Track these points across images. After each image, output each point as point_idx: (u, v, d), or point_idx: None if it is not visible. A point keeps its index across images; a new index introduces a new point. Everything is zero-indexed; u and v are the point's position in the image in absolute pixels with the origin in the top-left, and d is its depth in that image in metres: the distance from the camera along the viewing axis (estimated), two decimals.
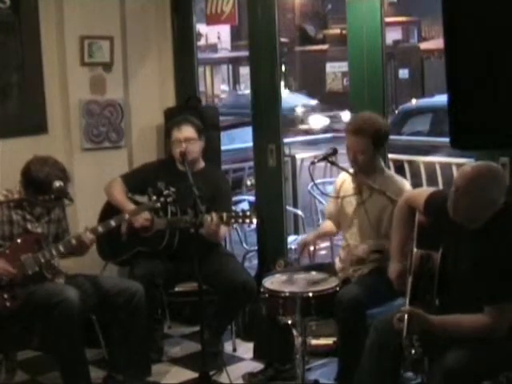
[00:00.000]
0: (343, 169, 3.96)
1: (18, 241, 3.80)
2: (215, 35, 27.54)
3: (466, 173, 2.93)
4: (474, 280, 2.93)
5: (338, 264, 3.96)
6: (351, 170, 3.89)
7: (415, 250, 3.15)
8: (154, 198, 4.02)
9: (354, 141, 3.74)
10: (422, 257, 3.13)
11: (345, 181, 3.98)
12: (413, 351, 2.85)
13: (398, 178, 3.94)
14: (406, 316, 2.87)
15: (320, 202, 6.21)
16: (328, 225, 4.13)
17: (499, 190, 2.93)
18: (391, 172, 3.92)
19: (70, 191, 3.92)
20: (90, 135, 4.94)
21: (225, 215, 4.01)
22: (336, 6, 25.20)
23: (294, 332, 3.57)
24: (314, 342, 4.02)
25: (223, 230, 4.26)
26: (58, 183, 3.78)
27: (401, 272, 3.28)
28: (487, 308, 2.88)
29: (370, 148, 3.73)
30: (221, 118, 5.59)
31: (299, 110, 20.83)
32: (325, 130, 18.54)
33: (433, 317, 2.93)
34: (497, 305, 2.86)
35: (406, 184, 3.89)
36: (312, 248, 4.08)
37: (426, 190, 3.42)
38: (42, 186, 3.79)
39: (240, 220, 4.01)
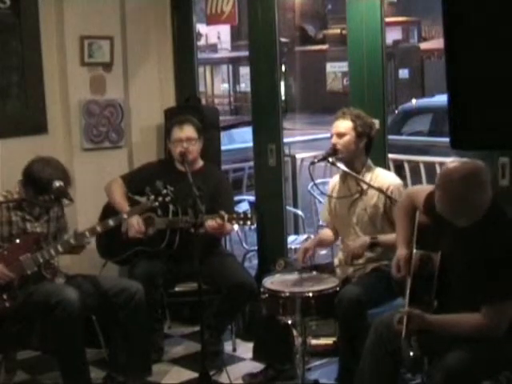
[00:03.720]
0: (343, 169, 3.96)
1: (17, 241, 3.80)
2: (215, 35, 27.54)
3: (447, 173, 2.90)
4: (470, 280, 2.92)
5: (336, 264, 3.96)
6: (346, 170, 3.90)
7: (415, 251, 3.15)
8: (152, 197, 4.02)
9: (336, 125, 3.83)
10: (422, 258, 3.12)
11: (336, 183, 4.00)
12: (411, 353, 2.85)
13: (387, 173, 3.97)
14: (404, 317, 2.87)
15: (320, 202, 6.20)
16: (327, 232, 4.12)
17: (480, 190, 2.88)
18: (380, 168, 3.94)
19: (70, 191, 3.92)
20: (90, 135, 4.94)
21: (226, 216, 4.01)
22: (336, 5, 25.19)
23: (294, 332, 3.57)
24: (314, 341, 4.01)
25: (229, 225, 4.25)
26: (57, 183, 3.78)
27: (409, 257, 3.19)
28: (484, 308, 2.87)
29: (349, 132, 3.78)
30: (221, 118, 5.60)
31: None
32: None
33: (431, 316, 2.93)
34: (493, 305, 2.85)
35: (396, 178, 3.91)
36: (311, 253, 4.08)
37: (426, 189, 3.38)
38: (43, 186, 3.79)
39: (241, 222, 4.01)
